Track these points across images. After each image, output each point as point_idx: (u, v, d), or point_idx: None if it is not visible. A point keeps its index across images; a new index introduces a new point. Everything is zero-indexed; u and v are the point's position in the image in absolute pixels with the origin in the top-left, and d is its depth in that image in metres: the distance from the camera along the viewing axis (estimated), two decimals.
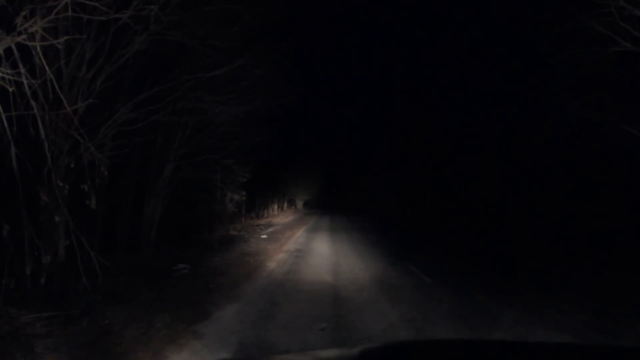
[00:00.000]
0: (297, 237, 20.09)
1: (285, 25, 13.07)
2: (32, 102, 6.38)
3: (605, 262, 12.09)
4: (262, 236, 19.99)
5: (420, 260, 12.57)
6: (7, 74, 5.63)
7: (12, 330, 5.56)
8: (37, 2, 5.86)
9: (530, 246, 16.22)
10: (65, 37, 6.70)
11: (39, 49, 6.00)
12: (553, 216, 18.81)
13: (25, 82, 5.96)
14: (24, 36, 5.68)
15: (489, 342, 2.88)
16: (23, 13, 5.63)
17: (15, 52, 5.82)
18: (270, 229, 24.47)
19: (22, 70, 5.91)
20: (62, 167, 7.99)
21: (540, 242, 16.75)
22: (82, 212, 8.57)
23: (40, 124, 6.84)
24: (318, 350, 3.00)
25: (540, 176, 19.99)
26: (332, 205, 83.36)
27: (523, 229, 19.79)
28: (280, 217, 39.16)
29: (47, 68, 6.10)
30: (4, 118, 5.92)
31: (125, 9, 7.21)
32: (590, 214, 16.15)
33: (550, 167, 18.98)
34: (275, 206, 43.69)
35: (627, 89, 11.09)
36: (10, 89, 5.74)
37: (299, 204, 68.50)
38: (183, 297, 7.76)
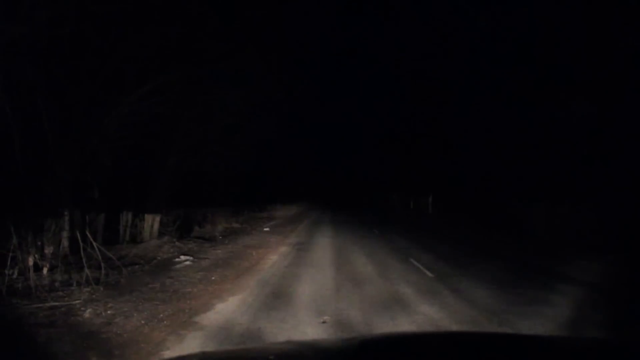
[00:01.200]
0: (300, 230, 20.12)
1: (285, 21, 13.07)
2: (38, 94, 6.40)
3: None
4: (265, 229, 20.03)
5: (423, 255, 12.59)
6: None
7: (14, 319, 5.61)
8: None
9: (536, 247, 16.21)
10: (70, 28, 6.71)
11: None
12: (557, 209, 18.78)
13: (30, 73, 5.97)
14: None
15: (490, 335, 2.88)
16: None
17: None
18: (272, 222, 24.52)
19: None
20: (65, 159, 8.02)
21: (546, 241, 16.74)
22: (86, 203, 8.61)
23: (44, 116, 6.86)
24: (318, 339, 2.99)
25: (540, 171, 19.92)
26: (334, 198, 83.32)
27: (525, 226, 19.75)
28: (282, 210, 39.20)
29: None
30: (8, 110, 5.94)
31: None
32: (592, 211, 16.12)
33: (551, 161, 18.92)
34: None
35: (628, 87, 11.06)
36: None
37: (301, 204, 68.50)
38: (185, 288, 7.79)
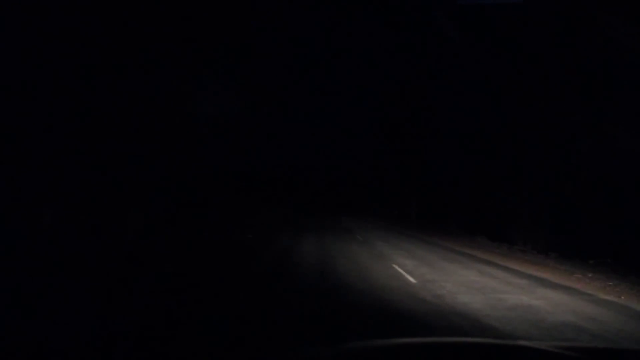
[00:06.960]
0: (284, 238, 20.12)
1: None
2: None
3: None
4: (248, 236, 20.05)
5: (405, 259, 12.88)
6: None
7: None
8: None
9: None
10: None
11: None
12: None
13: None
14: None
15: (479, 345, 2.82)
16: None
17: None
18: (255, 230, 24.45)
19: None
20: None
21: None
22: None
23: None
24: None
25: (530, 176, 19.95)
26: (319, 210, 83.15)
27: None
28: (268, 219, 38.89)
29: None
30: None
31: None
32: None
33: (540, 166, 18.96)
34: (264, 210, 43.33)
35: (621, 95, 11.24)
36: None
37: (286, 208, 68.07)
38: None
